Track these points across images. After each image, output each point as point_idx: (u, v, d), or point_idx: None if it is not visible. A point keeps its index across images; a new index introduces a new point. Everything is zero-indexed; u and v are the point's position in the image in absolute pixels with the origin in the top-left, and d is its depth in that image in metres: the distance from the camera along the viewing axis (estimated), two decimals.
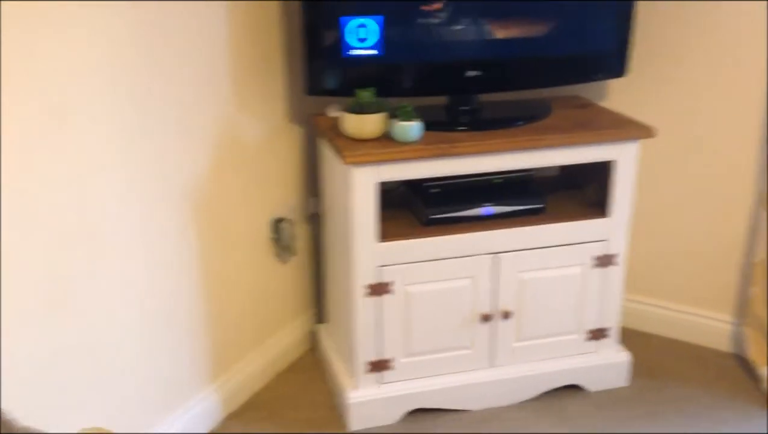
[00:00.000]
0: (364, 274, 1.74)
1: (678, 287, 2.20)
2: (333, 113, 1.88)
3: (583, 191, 1.96)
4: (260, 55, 1.83)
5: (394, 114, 1.68)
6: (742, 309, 2.08)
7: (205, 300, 1.79)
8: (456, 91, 1.86)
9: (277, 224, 1.95)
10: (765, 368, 1.93)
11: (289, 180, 2.00)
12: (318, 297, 2.19)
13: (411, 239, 1.75)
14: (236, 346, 1.94)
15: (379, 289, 1.76)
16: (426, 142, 1.68)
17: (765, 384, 1.92)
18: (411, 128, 1.66)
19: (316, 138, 1.97)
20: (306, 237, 2.11)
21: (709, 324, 2.16)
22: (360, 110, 1.67)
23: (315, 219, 2.09)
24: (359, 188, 1.66)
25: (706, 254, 2.12)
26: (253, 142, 1.86)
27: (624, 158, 1.80)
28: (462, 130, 1.76)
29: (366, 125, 1.67)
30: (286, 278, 2.07)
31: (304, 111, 1.97)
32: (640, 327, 2.24)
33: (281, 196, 1.98)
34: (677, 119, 2.05)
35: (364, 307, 1.77)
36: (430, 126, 1.73)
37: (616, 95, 2.11)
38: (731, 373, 2.04)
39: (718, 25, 1.95)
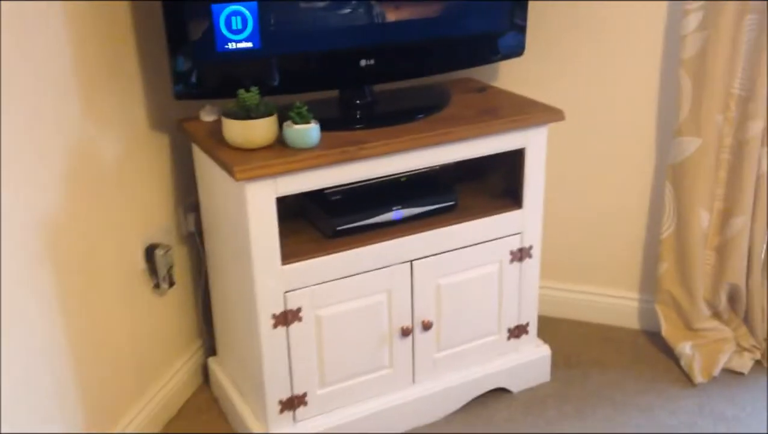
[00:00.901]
0: (268, 303, 1.49)
1: (582, 268, 2.14)
2: (207, 116, 1.60)
3: (486, 181, 1.83)
4: (110, 55, 1.50)
5: (286, 116, 1.44)
6: (649, 286, 2.06)
7: (70, 353, 1.46)
8: (349, 83, 1.65)
9: (151, 251, 1.64)
10: (680, 344, 1.92)
11: (160, 198, 1.70)
12: (206, 327, 1.91)
13: (317, 256, 1.53)
14: (115, 400, 1.63)
15: (286, 318, 1.52)
16: (326, 146, 1.45)
17: (682, 361, 1.91)
18: (309, 132, 1.42)
19: (189, 146, 1.68)
20: (186, 260, 1.82)
21: (617, 303, 2.12)
22: (245, 114, 1.41)
23: (194, 238, 1.80)
24: (255, 207, 1.40)
25: (610, 233, 2.07)
26: (111, 158, 1.54)
27: (534, 144, 1.68)
28: (359, 128, 1.55)
29: (255, 131, 1.41)
30: (166, 312, 1.77)
31: (170, 116, 1.67)
32: (549, 313, 2.17)
33: (153, 217, 1.67)
34: (572, 97, 1.96)
35: (270, 340, 1.52)
36: (323, 125, 1.51)
37: (508, 75, 1.99)
38: (647, 353, 2.01)
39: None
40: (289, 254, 1.50)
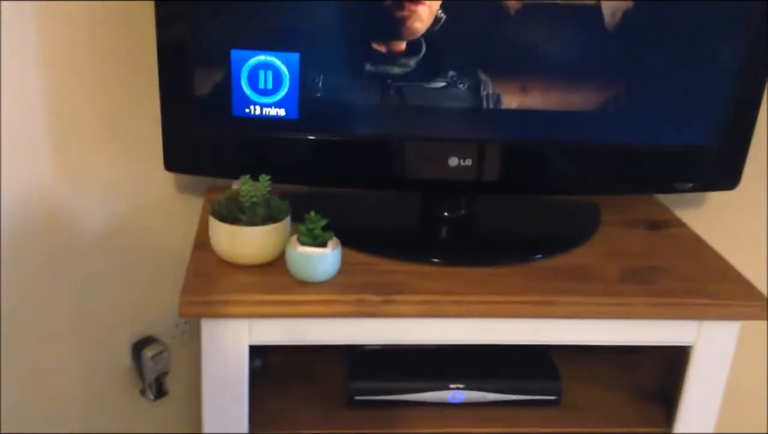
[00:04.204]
0: None
1: None
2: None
3: (615, 362, 1.18)
4: (104, 86, 1.14)
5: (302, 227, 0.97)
6: None
7: None
8: (428, 188, 1.11)
9: (140, 350, 1.27)
10: None
11: (172, 277, 1.31)
12: None
13: None
14: None
15: None
16: (344, 283, 0.94)
17: None
18: (316, 261, 0.93)
19: None
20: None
21: None
22: (236, 213, 0.97)
23: None
24: (212, 354, 0.95)
25: None
26: (98, 228, 1.19)
27: (710, 345, 1.01)
28: (436, 262, 1.01)
29: (241, 243, 0.95)
30: (162, 425, 1.39)
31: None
32: None
33: (153, 303, 1.29)
34: None
35: None
36: (369, 243, 1.02)
37: (708, 203, 1.31)
38: None
39: None
40: (264, 420, 1.02)
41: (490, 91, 1.02)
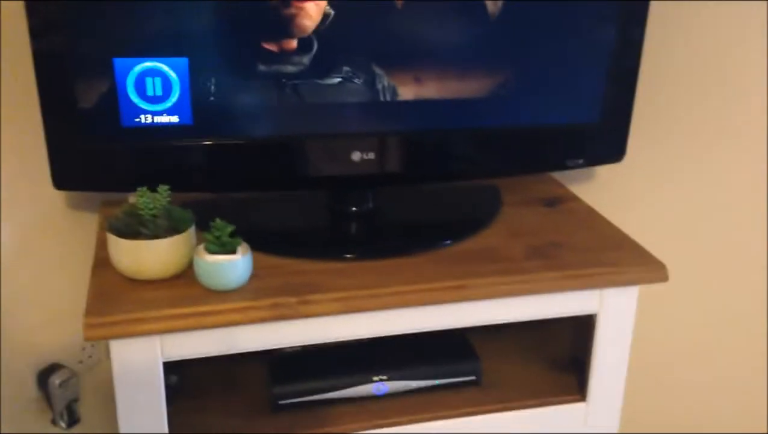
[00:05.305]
0: None
1: None
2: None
3: (532, 335, 1.23)
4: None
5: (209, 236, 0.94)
6: None
7: None
8: (334, 184, 1.12)
9: (47, 378, 1.20)
10: None
11: (73, 300, 1.25)
12: None
13: None
14: None
15: None
16: (257, 288, 0.93)
17: None
18: (226, 269, 0.91)
19: None
20: None
21: None
22: (136, 227, 0.93)
23: None
24: (123, 376, 0.91)
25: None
26: None
27: (613, 311, 1.06)
28: (348, 258, 1.01)
29: (145, 258, 0.92)
30: None
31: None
32: None
33: (54, 328, 1.22)
34: (685, 223, 1.33)
35: None
36: (280, 246, 1.01)
37: (597, 176, 1.38)
38: None
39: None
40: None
41: (385, 84, 1.03)
